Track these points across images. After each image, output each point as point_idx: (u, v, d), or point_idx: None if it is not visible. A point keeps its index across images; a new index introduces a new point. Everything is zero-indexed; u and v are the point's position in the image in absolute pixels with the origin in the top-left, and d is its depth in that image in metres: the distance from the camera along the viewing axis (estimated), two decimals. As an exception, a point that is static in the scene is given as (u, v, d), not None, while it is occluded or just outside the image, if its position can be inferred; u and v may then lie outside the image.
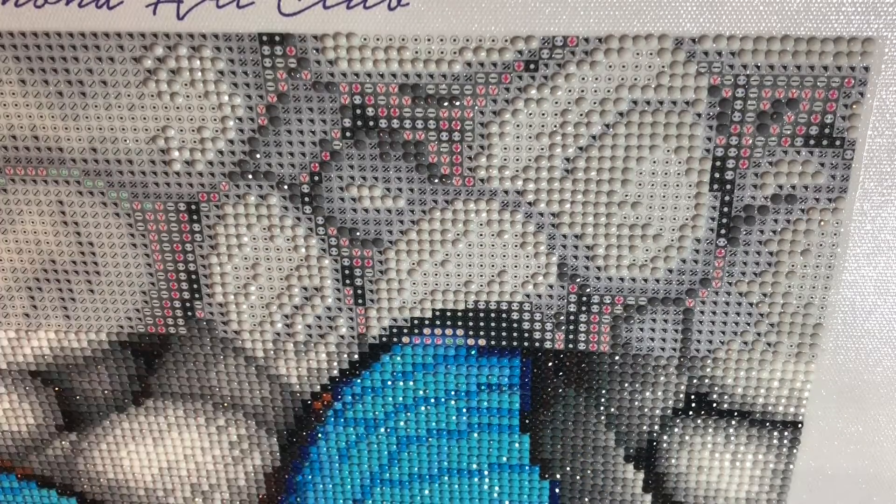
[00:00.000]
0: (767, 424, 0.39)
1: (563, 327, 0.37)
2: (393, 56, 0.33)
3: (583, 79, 0.33)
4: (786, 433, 0.39)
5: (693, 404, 0.39)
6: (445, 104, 0.33)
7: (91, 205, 0.37)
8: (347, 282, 0.37)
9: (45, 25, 0.33)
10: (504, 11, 0.32)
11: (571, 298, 0.37)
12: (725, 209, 0.34)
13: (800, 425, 0.39)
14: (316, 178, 0.35)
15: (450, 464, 0.42)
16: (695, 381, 0.38)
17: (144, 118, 0.35)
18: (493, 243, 0.36)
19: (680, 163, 0.34)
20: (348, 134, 0.34)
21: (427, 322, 0.38)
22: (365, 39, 0.33)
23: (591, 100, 0.33)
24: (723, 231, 0.35)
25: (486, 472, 0.42)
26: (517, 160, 0.34)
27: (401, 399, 0.40)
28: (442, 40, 0.32)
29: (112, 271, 0.38)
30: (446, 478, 0.42)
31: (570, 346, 0.38)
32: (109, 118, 0.35)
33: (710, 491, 0.41)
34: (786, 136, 0.33)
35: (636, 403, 0.39)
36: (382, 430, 0.41)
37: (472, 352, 0.39)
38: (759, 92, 0.32)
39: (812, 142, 0.33)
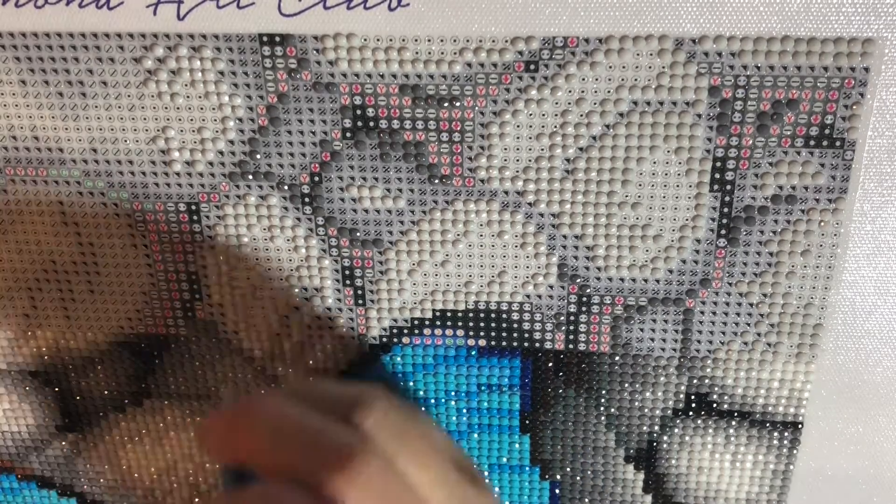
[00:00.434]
0: (767, 425, 0.39)
1: (564, 328, 0.37)
2: (393, 56, 0.33)
3: (583, 79, 0.33)
4: (786, 434, 0.39)
5: (693, 405, 0.39)
6: (445, 105, 0.33)
7: (91, 205, 0.37)
8: (347, 282, 0.37)
9: (45, 26, 0.33)
10: (504, 12, 0.32)
11: (571, 299, 0.37)
12: (725, 209, 0.34)
13: (800, 426, 0.39)
14: (316, 178, 0.35)
15: (450, 464, 0.42)
16: (695, 381, 0.38)
17: (145, 118, 0.35)
18: (493, 244, 0.36)
19: (680, 163, 0.34)
20: (348, 134, 0.34)
21: (427, 322, 0.38)
22: (365, 40, 0.33)
23: (592, 100, 0.33)
24: (723, 231, 0.35)
25: (486, 473, 0.42)
26: (517, 161, 0.34)
27: (401, 399, 0.40)
28: (442, 41, 0.32)
29: (112, 271, 0.38)
30: (446, 478, 0.42)
31: (571, 346, 0.38)
32: (110, 118, 0.35)
33: (710, 491, 0.41)
34: (786, 137, 0.33)
35: (636, 404, 0.39)
36: (382, 430, 0.41)
37: (472, 352, 0.39)
38: (759, 92, 0.32)
39: (812, 142, 0.33)
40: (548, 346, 0.38)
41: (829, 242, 0.34)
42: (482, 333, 0.38)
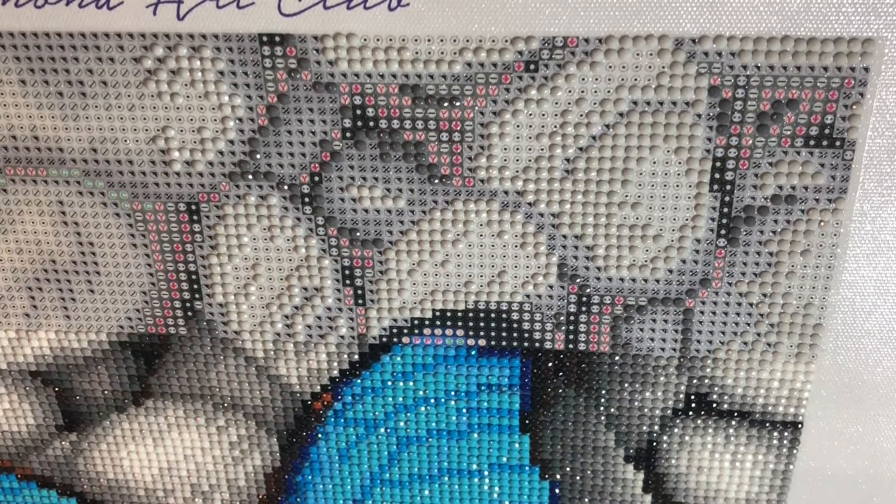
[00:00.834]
0: (767, 425, 0.39)
1: (563, 327, 0.37)
2: (393, 56, 0.33)
3: (583, 79, 0.33)
4: (786, 433, 0.39)
5: (693, 404, 0.39)
6: (445, 104, 0.33)
7: (91, 205, 0.37)
8: (347, 282, 0.37)
9: (45, 26, 0.33)
10: (504, 12, 0.32)
11: (571, 299, 0.37)
12: (725, 209, 0.34)
13: (800, 426, 0.39)
14: (316, 178, 0.35)
15: (450, 464, 0.42)
16: (695, 381, 0.38)
17: (144, 118, 0.35)
18: (493, 244, 0.36)
19: (680, 163, 0.34)
20: (348, 134, 0.34)
21: (427, 322, 0.38)
22: (365, 40, 0.33)
23: (591, 100, 0.33)
24: (723, 231, 0.35)
25: (486, 473, 0.42)
26: (517, 160, 0.34)
27: (401, 399, 0.40)
28: (442, 41, 0.32)
29: (112, 271, 0.38)
30: (446, 478, 0.42)
31: (570, 346, 0.38)
32: (109, 118, 0.35)
33: (710, 491, 0.41)
34: (786, 137, 0.33)
35: (636, 404, 0.39)
36: (382, 430, 0.41)
37: (472, 352, 0.39)
38: (759, 92, 0.32)
39: (812, 142, 0.33)
40: (548, 346, 0.38)
41: (829, 242, 0.34)
42: (482, 333, 0.38)
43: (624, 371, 0.38)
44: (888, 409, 0.38)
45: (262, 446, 0.42)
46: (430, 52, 0.33)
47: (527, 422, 0.40)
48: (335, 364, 0.39)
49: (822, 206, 0.34)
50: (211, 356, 0.40)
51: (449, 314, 0.38)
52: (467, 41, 0.32)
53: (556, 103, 0.33)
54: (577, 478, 0.41)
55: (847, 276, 0.35)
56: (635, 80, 0.32)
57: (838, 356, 0.37)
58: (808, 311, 0.36)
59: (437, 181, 0.35)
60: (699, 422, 0.39)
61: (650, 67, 0.32)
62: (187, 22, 0.33)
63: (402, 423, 0.41)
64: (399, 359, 0.39)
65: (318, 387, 0.40)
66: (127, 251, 0.37)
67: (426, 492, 0.43)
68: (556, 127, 0.33)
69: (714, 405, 0.39)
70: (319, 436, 0.42)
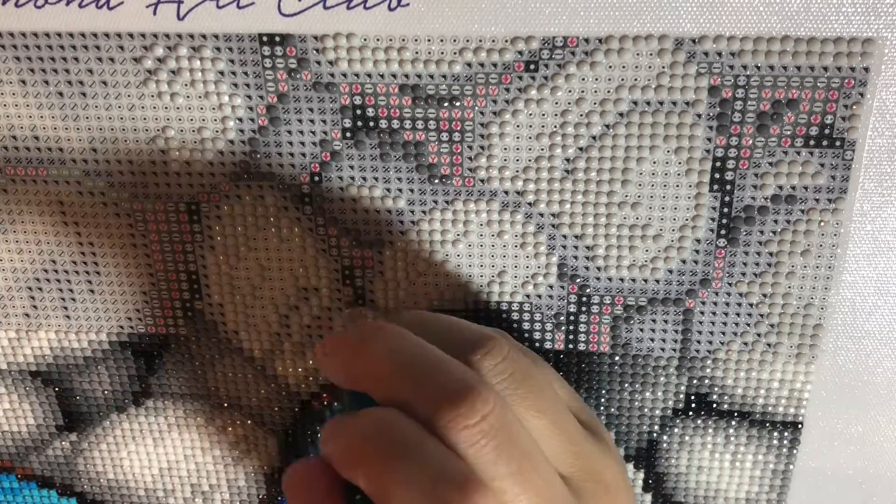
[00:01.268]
0: (767, 425, 0.39)
1: (563, 328, 0.37)
2: (393, 56, 0.33)
3: (583, 79, 0.33)
4: (786, 434, 0.39)
5: (693, 405, 0.39)
6: (445, 104, 0.33)
7: (91, 205, 0.37)
8: (347, 282, 0.37)
9: (45, 26, 0.33)
10: (504, 12, 0.32)
11: (571, 299, 0.37)
12: (725, 209, 0.34)
13: (800, 426, 0.39)
14: (316, 178, 0.35)
15: (450, 464, 0.42)
16: (695, 381, 0.38)
17: (145, 118, 0.35)
18: (493, 244, 0.36)
19: (680, 163, 0.34)
20: (348, 134, 0.34)
21: (427, 322, 0.38)
22: (365, 40, 0.33)
23: (591, 100, 0.33)
24: (723, 231, 0.35)
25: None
26: (517, 160, 0.34)
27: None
28: (442, 41, 0.32)
29: (112, 271, 0.38)
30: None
31: (570, 346, 0.38)
32: (110, 118, 0.35)
33: (709, 491, 0.41)
34: (786, 137, 0.33)
35: (636, 404, 0.39)
36: (382, 430, 0.41)
37: (472, 352, 0.39)
38: (759, 92, 0.32)
39: (812, 142, 0.33)
40: (548, 346, 0.38)
41: (829, 242, 0.34)
42: (482, 333, 0.38)
43: (624, 371, 0.38)
44: (888, 410, 0.38)
45: (261, 446, 0.42)
46: (430, 52, 0.33)
47: (527, 422, 0.40)
48: (335, 364, 0.39)
49: (822, 206, 0.34)
50: (211, 356, 0.40)
51: (449, 314, 0.38)
52: (467, 41, 0.32)
53: (556, 103, 0.33)
54: (577, 478, 0.41)
55: (847, 277, 0.35)
56: (635, 80, 0.32)
57: (838, 357, 0.37)
58: (809, 312, 0.36)
59: (437, 181, 0.35)
60: (699, 422, 0.39)
61: (650, 67, 0.32)
62: (187, 22, 0.33)
63: (402, 423, 0.41)
64: (399, 359, 0.39)
65: (317, 387, 0.40)
66: (127, 251, 0.37)
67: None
68: (556, 127, 0.33)
69: (714, 405, 0.38)
70: (319, 436, 0.41)
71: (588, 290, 0.37)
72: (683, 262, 0.36)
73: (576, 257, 0.36)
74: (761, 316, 0.36)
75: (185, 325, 0.39)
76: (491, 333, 0.30)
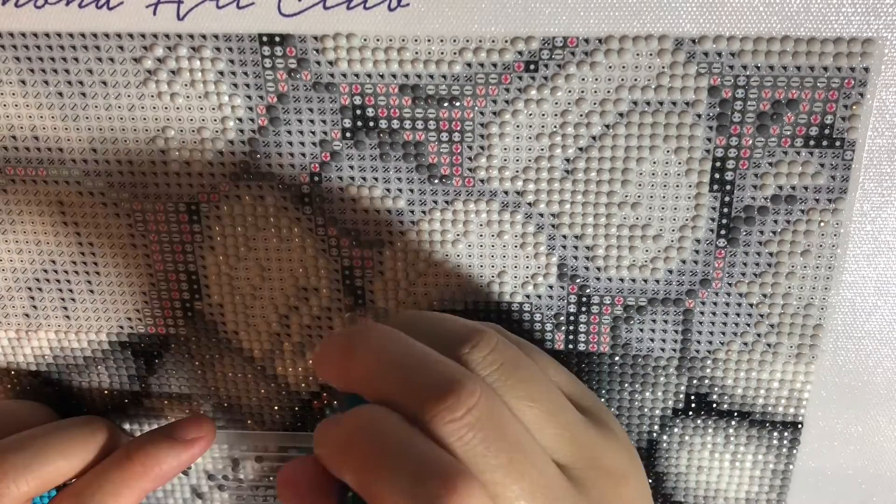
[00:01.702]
0: (767, 425, 0.39)
1: (563, 328, 0.37)
2: (393, 56, 0.33)
3: (583, 79, 0.33)
4: (786, 434, 0.39)
5: (693, 405, 0.39)
6: (445, 105, 0.33)
7: (91, 205, 0.37)
8: (347, 282, 0.37)
9: (45, 26, 0.33)
10: (504, 12, 0.32)
11: (571, 299, 0.37)
12: (725, 210, 0.34)
13: (800, 426, 0.39)
14: (316, 178, 0.35)
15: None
16: (695, 381, 0.38)
17: (144, 118, 0.35)
18: (492, 244, 0.36)
19: (680, 163, 0.34)
20: (348, 134, 0.34)
21: (427, 322, 0.38)
22: (365, 40, 0.33)
23: (591, 100, 0.33)
24: (723, 232, 0.35)
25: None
26: (517, 161, 0.34)
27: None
28: (442, 41, 0.32)
29: (112, 271, 0.38)
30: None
31: (570, 346, 0.38)
32: (109, 118, 0.35)
33: (709, 491, 0.41)
34: (786, 137, 0.33)
35: (636, 404, 0.39)
36: (382, 430, 0.41)
37: (472, 352, 0.39)
38: (759, 92, 0.32)
39: (812, 142, 0.33)
40: (548, 346, 0.38)
41: (829, 242, 0.34)
42: (482, 333, 0.38)
43: (624, 371, 0.38)
44: (888, 410, 0.38)
45: (261, 446, 0.42)
46: (430, 52, 0.33)
47: (527, 422, 0.40)
48: (335, 364, 0.39)
49: (822, 206, 0.34)
50: (211, 356, 0.40)
51: (449, 314, 0.38)
52: (467, 41, 0.32)
53: (556, 103, 0.33)
54: (577, 478, 0.41)
55: (847, 277, 0.35)
56: (635, 80, 0.32)
57: (838, 357, 0.37)
58: (809, 312, 0.36)
59: (437, 181, 0.35)
60: (699, 422, 0.39)
61: (650, 67, 0.32)
62: (187, 22, 0.33)
63: (402, 423, 0.41)
64: (399, 359, 0.39)
65: (318, 386, 0.40)
66: (127, 251, 0.37)
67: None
68: (556, 127, 0.33)
69: (714, 405, 0.38)
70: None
71: (588, 291, 0.37)
72: (683, 262, 0.36)
73: (576, 257, 0.36)
74: (761, 316, 0.36)
75: (185, 325, 0.39)
76: (479, 327, 0.30)
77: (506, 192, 0.35)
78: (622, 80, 0.32)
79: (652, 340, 0.37)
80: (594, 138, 0.34)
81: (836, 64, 0.31)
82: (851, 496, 0.40)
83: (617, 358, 0.38)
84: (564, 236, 0.36)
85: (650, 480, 0.41)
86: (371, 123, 0.34)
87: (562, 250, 0.36)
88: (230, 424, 0.41)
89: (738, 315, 0.36)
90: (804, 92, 0.32)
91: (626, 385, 0.39)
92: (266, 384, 0.40)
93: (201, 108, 0.34)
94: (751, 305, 0.36)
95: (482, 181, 0.35)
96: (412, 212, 0.36)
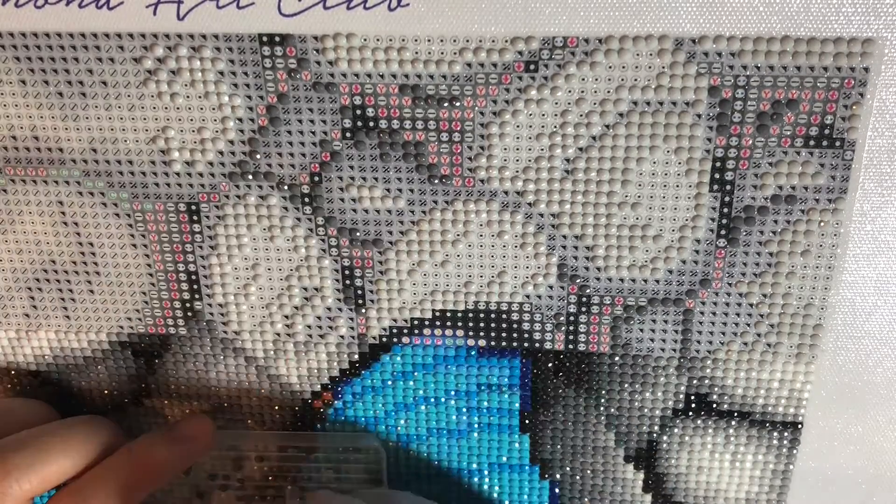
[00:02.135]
0: (767, 425, 0.39)
1: (563, 328, 0.37)
2: (393, 56, 0.33)
3: (583, 79, 0.33)
4: (786, 434, 0.39)
5: (693, 405, 0.39)
6: (445, 105, 0.33)
7: (91, 205, 0.37)
8: (347, 282, 0.37)
9: (45, 26, 0.33)
10: (504, 12, 0.32)
11: (571, 299, 0.37)
12: (725, 210, 0.34)
13: (800, 426, 0.39)
14: (316, 178, 0.35)
15: (450, 463, 0.42)
16: (695, 381, 0.38)
17: (144, 118, 0.35)
18: (493, 244, 0.36)
19: (680, 163, 0.34)
20: (348, 134, 0.34)
21: (427, 322, 0.38)
22: (365, 40, 0.33)
23: (591, 100, 0.33)
24: (723, 232, 0.35)
25: (486, 472, 0.42)
26: (517, 161, 0.34)
27: (401, 399, 0.40)
28: (442, 41, 0.32)
29: (112, 271, 0.38)
30: (446, 477, 0.42)
31: (570, 346, 0.38)
32: (109, 118, 0.35)
33: (709, 491, 0.41)
34: (786, 137, 0.33)
35: (636, 404, 0.39)
36: (382, 428, 0.41)
37: (472, 352, 0.39)
38: (759, 92, 0.32)
39: (812, 142, 0.33)
40: (548, 346, 0.38)
41: (829, 242, 0.34)
42: (482, 333, 0.38)
43: (624, 371, 0.38)
44: (888, 409, 0.38)
45: (261, 445, 0.42)
46: (430, 52, 0.33)
47: (527, 422, 0.40)
48: (335, 364, 0.39)
49: (822, 206, 0.34)
50: (211, 356, 0.40)
51: (449, 314, 0.38)
52: (467, 41, 0.32)
53: (556, 103, 0.33)
54: (577, 477, 0.41)
55: (847, 277, 0.35)
56: (635, 80, 0.32)
57: (838, 357, 0.37)
58: (808, 312, 0.36)
59: (437, 181, 0.35)
60: (699, 422, 0.39)
61: (650, 67, 0.32)
62: (187, 22, 0.33)
63: (402, 423, 0.41)
64: (399, 359, 0.39)
65: (319, 386, 0.40)
66: (127, 251, 0.37)
67: (426, 491, 0.43)
68: (556, 127, 0.33)
69: (714, 405, 0.38)
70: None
71: (588, 291, 0.37)
72: (683, 262, 0.36)
73: (576, 257, 0.36)
74: (761, 316, 0.36)
75: (185, 325, 0.39)
76: None
77: (506, 192, 0.35)
78: (622, 80, 0.32)
79: (652, 340, 0.37)
80: (594, 138, 0.34)
81: (836, 64, 0.31)
82: (851, 496, 0.40)
83: (617, 358, 0.38)
84: (564, 236, 0.36)
85: (650, 481, 0.41)
86: (371, 123, 0.34)
87: (562, 250, 0.36)
88: (230, 424, 0.41)
89: (738, 315, 0.36)
90: (804, 92, 0.32)
91: (626, 385, 0.39)
92: (266, 384, 0.40)
93: (201, 108, 0.34)
94: (751, 305, 0.36)
95: (482, 181, 0.35)
96: (412, 212, 0.36)
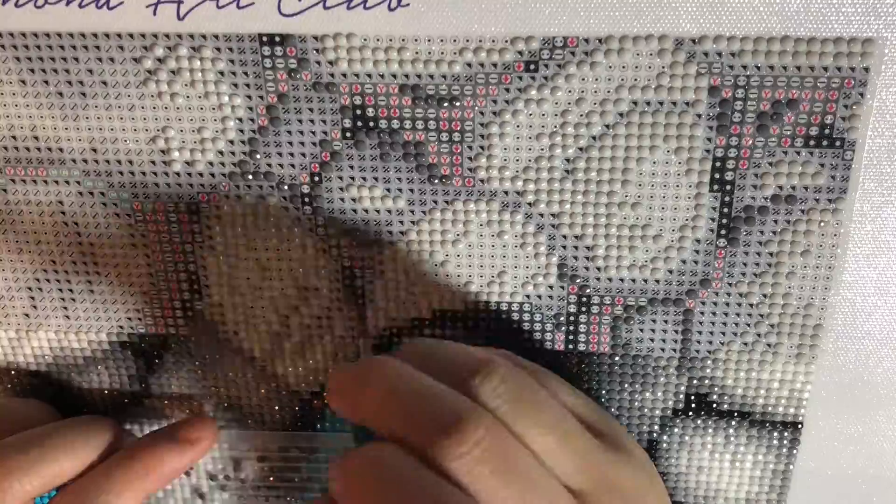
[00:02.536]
0: (767, 425, 0.39)
1: (563, 328, 0.37)
2: (393, 56, 0.33)
3: (583, 79, 0.33)
4: (786, 434, 0.39)
5: (693, 405, 0.39)
6: (445, 105, 0.33)
7: (91, 205, 0.37)
8: (347, 282, 0.37)
9: (45, 25, 0.33)
10: (504, 12, 0.32)
11: (571, 299, 0.37)
12: (725, 210, 0.34)
13: (800, 426, 0.39)
14: (316, 178, 0.35)
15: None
16: (695, 381, 0.38)
17: (144, 118, 0.35)
18: (493, 244, 0.36)
19: (680, 163, 0.34)
20: (348, 134, 0.34)
21: (427, 322, 0.38)
22: (365, 40, 0.33)
23: (591, 100, 0.33)
24: (723, 232, 0.35)
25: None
26: (517, 161, 0.34)
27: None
28: (442, 41, 0.32)
29: (112, 271, 0.38)
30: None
31: (570, 346, 0.38)
32: (109, 118, 0.35)
33: (709, 491, 0.41)
34: (786, 137, 0.33)
35: (636, 404, 0.39)
36: (382, 430, 0.41)
37: (472, 352, 0.39)
38: (759, 92, 0.32)
39: (812, 142, 0.33)
40: (548, 346, 0.38)
41: (829, 242, 0.34)
42: (482, 333, 0.38)
43: (624, 371, 0.38)
44: (888, 410, 0.38)
45: (261, 446, 0.42)
46: (430, 52, 0.33)
47: (527, 422, 0.40)
48: (335, 363, 0.39)
49: (822, 206, 0.34)
50: (211, 356, 0.40)
51: (449, 314, 0.38)
52: (467, 41, 0.32)
53: (556, 103, 0.33)
54: (577, 478, 0.41)
55: (847, 277, 0.35)
56: (635, 80, 0.32)
57: (838, 357, 0.37)
58: (809, 312, 0.36)
59: (437, 181, 0.35)
60: (699, 422, 0.39)
61: (650, 67, 0.32)
62: (187, 22, 0.33)
63: (402, 423, 0.41)
64: (399, 359, 0.39)
65: (318, 386, 0.40)
66: (127, 251, 0.37)
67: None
68: (556, 127, 0.33)
69: (714, 405, 0.39)
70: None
71: (588, 291, 0.37)
72: (683, 262, 0.36)
73: (576, 257, 0.36)
74: (761, 316, 0.36)
75: (185, 325, 0.39)
76: (486, 357, 0.30)
77: (506, 192, 0.35)
78: (622, 80, 0.32)
79: (652, 340, 0.37)
80: (594, 138, 0.34)
81: (836, 64, 0.31)
82: (851, 496, 0.40)
83: (617, 358, 0.38)
84: (564, 236, 0.36)
85: (650, 480, 0.41)
86: (371, 123, 0.34)
87: (562, 250, 0.36)
88: (230, 424, 0.41)
89: (738, 315, 0.36)
90: (804, 92, 0.32)
91: (626, 385, 0.39)
92: (266, 384, 0.40)
93: (201, 108, 0.34)
94: (751, 305, 0.36)
95: (482, 181, 0.35)
96: (412, 212, 0.36)
